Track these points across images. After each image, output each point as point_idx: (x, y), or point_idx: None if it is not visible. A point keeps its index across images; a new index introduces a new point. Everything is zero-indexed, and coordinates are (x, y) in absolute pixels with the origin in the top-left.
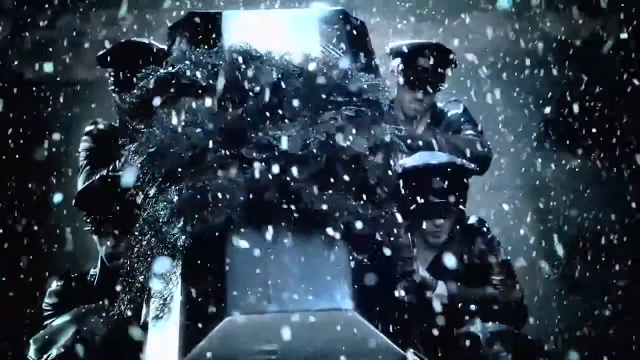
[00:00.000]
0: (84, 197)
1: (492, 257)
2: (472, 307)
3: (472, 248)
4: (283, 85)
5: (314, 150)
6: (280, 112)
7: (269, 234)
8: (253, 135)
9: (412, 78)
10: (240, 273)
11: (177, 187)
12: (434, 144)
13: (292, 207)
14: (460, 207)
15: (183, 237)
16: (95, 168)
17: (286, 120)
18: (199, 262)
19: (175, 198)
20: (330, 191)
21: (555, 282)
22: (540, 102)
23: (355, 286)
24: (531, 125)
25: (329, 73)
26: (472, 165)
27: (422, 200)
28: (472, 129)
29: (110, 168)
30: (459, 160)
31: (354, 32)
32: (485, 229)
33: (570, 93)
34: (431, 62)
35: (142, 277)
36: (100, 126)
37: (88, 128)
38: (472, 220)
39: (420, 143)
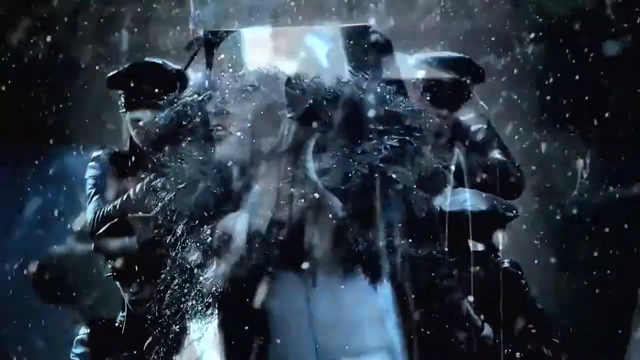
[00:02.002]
0: (103, 239)
1: (526, 304)
2: (517, 355)
3: (505, 293)
4: (316, 112)
5: (356, 184)
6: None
7: (311, 276)
8: (289, 168)
9: (437, 93)
10: (282, 321)
11: (210, 226)
12: (464, 168)
13: (335, 247)
14: (498, 253)
15: (218, 281)
16: (104, 196)
17: (323, 150)
18: (237, 308)
19: (209, 239)
20: (375, 229)
21: (557, 267)
22: (543, 87)
23: (409, 336)
24: (533, 110)
25: (365, 98)
26: (514, 212)
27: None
28: (500, 148)
29: (124, 198)
30: (500, 206)
31: (382, 50)
32: (519, 273)
33: (572, 79)
34: (458, 77)
35: (176, 326)
36: (109, 152)
37: (95, 153)
38: (506, 263)
39: (453, 168)
